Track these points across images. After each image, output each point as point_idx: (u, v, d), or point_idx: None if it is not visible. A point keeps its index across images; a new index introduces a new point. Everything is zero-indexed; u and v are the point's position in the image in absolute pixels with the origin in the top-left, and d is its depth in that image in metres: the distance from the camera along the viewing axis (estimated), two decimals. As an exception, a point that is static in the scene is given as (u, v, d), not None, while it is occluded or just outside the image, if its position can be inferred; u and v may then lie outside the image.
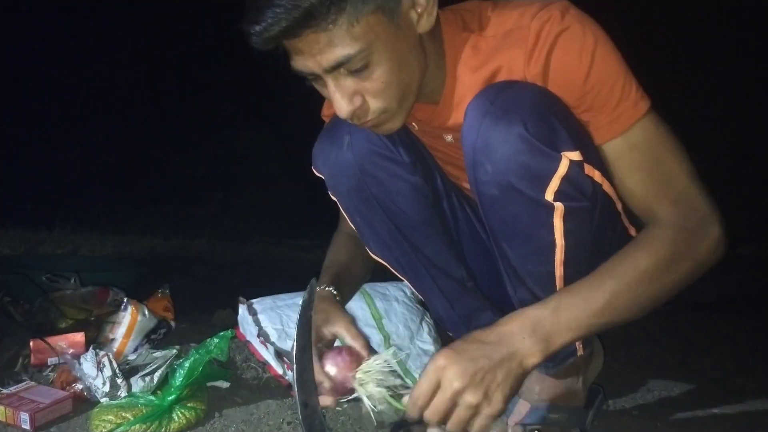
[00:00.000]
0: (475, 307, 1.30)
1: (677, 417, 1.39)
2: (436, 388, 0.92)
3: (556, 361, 1.18)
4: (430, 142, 1.20)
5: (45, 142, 3.70)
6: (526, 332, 0.93)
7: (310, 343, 0.99)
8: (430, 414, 0.92)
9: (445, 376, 0.91)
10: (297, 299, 1.76)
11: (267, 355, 1.60)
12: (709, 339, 1.95)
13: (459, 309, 1.30)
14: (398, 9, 0.95)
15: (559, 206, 1.00)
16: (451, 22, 1.06)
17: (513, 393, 0.94)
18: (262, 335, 1.65)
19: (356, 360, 1.08)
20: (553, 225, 1.02)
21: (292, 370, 0.95)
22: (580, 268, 1.02)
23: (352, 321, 1.14)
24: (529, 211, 1.01)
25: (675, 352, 1.82)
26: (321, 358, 1.08)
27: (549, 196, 0.99)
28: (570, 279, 1.05)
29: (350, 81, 0.98)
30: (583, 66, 0.97)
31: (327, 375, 1.06)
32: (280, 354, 1.57)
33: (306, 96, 1.15)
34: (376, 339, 1.63)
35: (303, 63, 0.97)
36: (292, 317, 1.68)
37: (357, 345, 1.10)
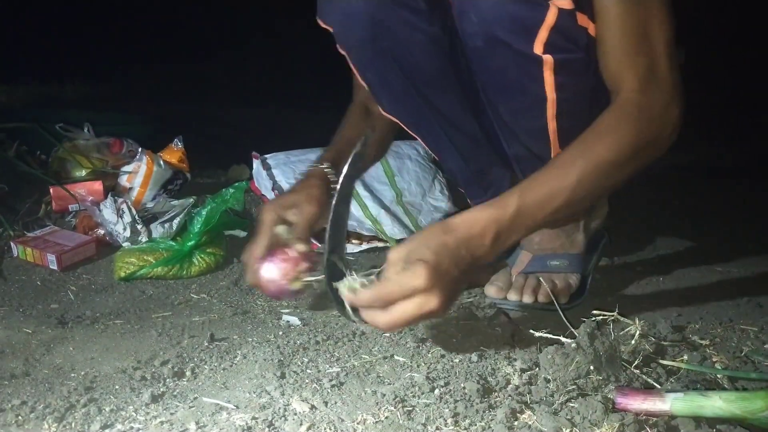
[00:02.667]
0: (487, 163, 1.29)
1: (681, 273, 1.42)
2: (403, 297, 0.85)
3: None
4: None
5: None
6: (488, 239, 0.90)
7: (350, 196, 0.99)
8: (392, 319, 0.86)
9: (425, 298, 0.84)
10: (309, 155, 1.76)
11: (281, 207, 1.63)
12: (721, 204, 1.96)
13: (472, 164, 1.29)
14: None
15: (548, 59, 0.96)
16: None
17: None
18: (277, 189, 1.67)
19: (297, 263, 1.05)
20: (543, 78, 0.98)
21: (327, 220, 0.95)
22: (575, 120, 1.00)
23: (314, 217, 1.09)
24: (517, 65, 0.98)
25: (685, 215, 1.83)
26: (266, 255, 1.06)
27: (537, 48, 0.95)
28: (564, 132, 1.03)
29: None
30: None
31: (262, 276, 1.06)
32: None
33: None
34: (388, 196, 1.66)
35: None
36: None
37: (301, 248, 1.07)
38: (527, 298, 1.19)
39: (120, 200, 1.48)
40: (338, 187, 0.94)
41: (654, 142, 0.95)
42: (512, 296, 1.19)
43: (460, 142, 1.22)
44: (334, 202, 0.94)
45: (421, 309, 0.85)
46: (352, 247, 1.52)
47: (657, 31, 0.93)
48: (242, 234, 1.53)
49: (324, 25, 1.11)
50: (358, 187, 1.65)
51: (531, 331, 1.07)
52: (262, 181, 1.76)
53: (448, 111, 1.18)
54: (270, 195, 1.69)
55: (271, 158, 1.78)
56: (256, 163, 1.80)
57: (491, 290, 1.21)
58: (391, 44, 1.08)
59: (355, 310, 0.92)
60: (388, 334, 1.04)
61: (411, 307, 0.85)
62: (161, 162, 1.66)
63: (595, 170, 0.93)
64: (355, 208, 1.60)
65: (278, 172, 1.73)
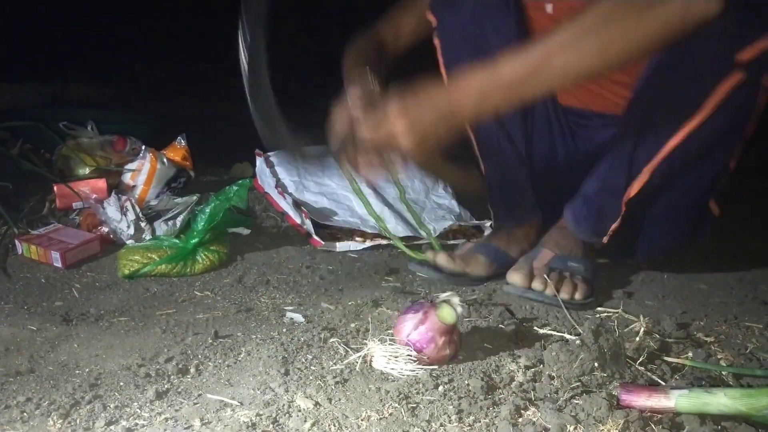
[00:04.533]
0: (521, 184, 1.36)
1: (685, 270, 1.42)
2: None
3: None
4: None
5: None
6: (472, 96, 0.94)
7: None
8: (367, 132, 0.98)
9: (395, 124, 0.94)
10: (312, 152, 1.76)
11: (285, 205, 1.63)
12: (726, 201, 1.94)
13: (505, 176, 1.36)
14: None
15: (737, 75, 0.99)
16: None
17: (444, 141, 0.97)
18: (280, 186, 1.68)
19: None
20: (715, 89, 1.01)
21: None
22: (688, 153, 1.08)
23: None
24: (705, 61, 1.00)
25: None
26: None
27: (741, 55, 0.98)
28: (667, 159, 1.10)
29: None
30: None
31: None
32: (297, 204, 1.60)
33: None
34: (392, 193, 1.66)
35: None
36: (309, 169, 1.70)
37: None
38: (550, 291, 1.21)
39: (124, 198, 1.48)
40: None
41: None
42: (536, 285, 1.22)
43: (506, 149, 1.31)
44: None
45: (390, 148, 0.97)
46: (356, 245, 1.52)
47: None
48: (246, 231, 1.53)
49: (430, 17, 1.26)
50: (361, 185, 1.65)
51: (535, 328, 1.08)
52: (265, 179, 1.76)
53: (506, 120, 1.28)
54: (273, 192, 1.69)
55: (275, 156, 1.78)
56: (260, 161, 1.80)
57: (516, 277, 1.23)
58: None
59: None
60: (391, 331, 1.04)
61: (384, 129, 0.95)
62: (165, 160, 1.66)
63: (597, 18, 0.88)
64: (358, 206, 1.60)
65: (281, 170, 1.73)
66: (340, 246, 1.51)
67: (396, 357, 0.92)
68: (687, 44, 0.92)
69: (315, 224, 1.54)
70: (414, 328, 0.93)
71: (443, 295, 0.96)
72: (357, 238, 1.53)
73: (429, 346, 0.92)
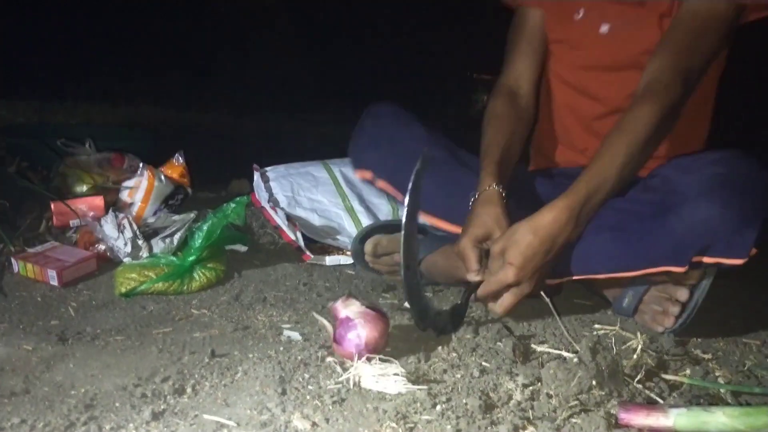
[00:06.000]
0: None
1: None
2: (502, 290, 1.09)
3: None
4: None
5: (56, 10, 3.58)
6: (569, 227, 1.07)
7: (417, 211, 1.07)
8: (500, 308, 1.12)
9: (518, 289, 1.08)
10: (309, 168, 1.77)
11: (279, 220, 1.63)
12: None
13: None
14: None
15: None
16: None
17: None
18: (272, 201, 1.68)
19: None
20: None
21: (400, 235, 1.03)
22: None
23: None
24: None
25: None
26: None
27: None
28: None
29: None
30: None
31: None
32: (291, 219, 1.60)
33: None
34: (384, 210, 1.66)
35: None
36: (303, 185, 1.70)
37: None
38: None
39: (121, 215, 1.48)
40: (405, 206, 1.03)
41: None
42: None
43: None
44: (404, 221, 1.03)
45: (517, 296, 1.10)
46: (346, 259, 1.52)
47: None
48: (243, 249, 1.53)
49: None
50: (353, 202, 1.65)
51: (533, 345, 1.07)
52: (261, 194, 1.76)
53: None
54: (268, 207, 1.69)
55: (271, 171, 1.78)
56: (257, 176, 1.80)
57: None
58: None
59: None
60: (389, 348, 1.04)
61: (509, 297, 1.10)
62: (162, 177, 1.66)
63: (636, 147, 1.09)
64: (348, 224, 1.60)
65: (275, 185, 1.73)
66: (330, 260, 1.51)
67: (384, 375, 0.91)
68: (675, 213, 1.07)
69: (305, 237, 1.54)
70: (361, 344, 0.99)
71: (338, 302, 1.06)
72: (347, 253, 1.54)
73: (381, 342, 1.01)
